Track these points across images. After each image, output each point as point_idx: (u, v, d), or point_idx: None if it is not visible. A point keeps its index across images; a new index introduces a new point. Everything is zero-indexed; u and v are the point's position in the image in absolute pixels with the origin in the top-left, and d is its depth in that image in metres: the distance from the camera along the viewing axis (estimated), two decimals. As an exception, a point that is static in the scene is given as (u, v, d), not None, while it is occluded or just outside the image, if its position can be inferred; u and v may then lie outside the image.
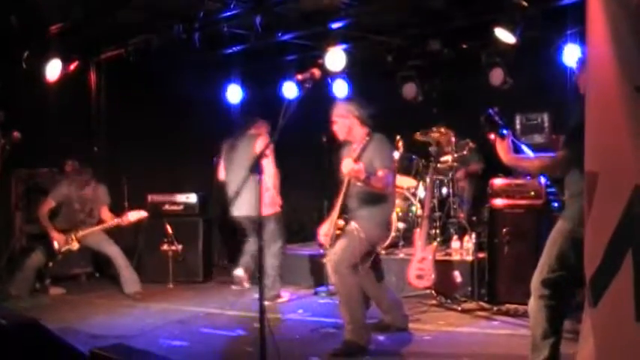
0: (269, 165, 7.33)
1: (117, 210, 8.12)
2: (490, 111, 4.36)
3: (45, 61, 8.41)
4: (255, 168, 4.23)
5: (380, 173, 5.30)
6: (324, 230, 5.66)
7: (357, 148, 5.51)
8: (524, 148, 4.65)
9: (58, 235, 7.81)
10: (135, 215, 7.86)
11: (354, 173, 5.18)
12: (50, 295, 8.01)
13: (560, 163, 4.10)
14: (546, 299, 4.07)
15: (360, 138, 5.55)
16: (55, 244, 7.78)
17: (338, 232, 5.48)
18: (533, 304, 4.15)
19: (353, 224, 5.42)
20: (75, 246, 7.86)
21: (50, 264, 7.86)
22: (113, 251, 7.91)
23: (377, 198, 5.44)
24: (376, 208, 5.47)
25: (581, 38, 7.20)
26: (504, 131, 4.31)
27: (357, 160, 5.34)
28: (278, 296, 7.56)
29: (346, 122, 5.58)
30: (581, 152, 3.76)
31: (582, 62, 4.12)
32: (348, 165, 5.22)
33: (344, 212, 5.52)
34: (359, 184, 5.34)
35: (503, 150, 4.32)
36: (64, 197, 7.99)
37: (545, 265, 4.10)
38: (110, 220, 7.91)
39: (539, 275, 4.12)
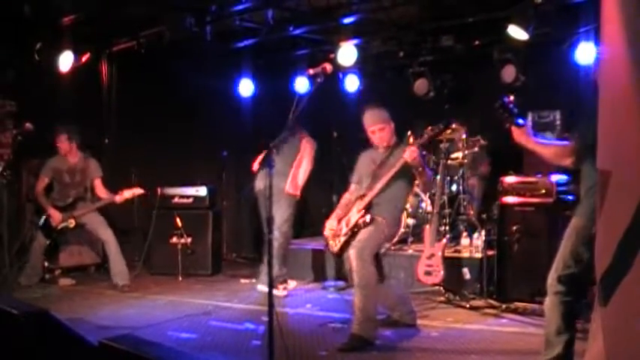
0: (307, 164, 7.59)
1: (126, 204, 8.16)
2: (505, 99, 4.35)
3: (57, 52, 8.44)
4: (268, 162, 4.25)
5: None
6: (332, 224, 5.72)
7: (420, 142, 5.67)
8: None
9: (55, 211, 7.88)
10: (129, 192, 7.90)
11: (415, 154, 5.33)
12: (60, 286, 8.06)
13: (569, 152, 4.12)
14: (562, 295, 4.07)
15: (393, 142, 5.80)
16: (52, 221, 7.86)
17: (355, 229, 5.61)
18: (549, 301, 4.15)
19: (378, 216, 5.56)
20: (72, 223, 7.91)
21: (48, 242, 7.91)
22: (108, 237, 7.92)
23: (398, 197, 5.68)
24: (397, 208, 5.72)
25: (595, 36, 7.18)
26: (520, 120, 4.30)
27: (381, 165, 5.59)
28: (285, 281, 7.60)
29: (392, 126, 5.82)
30: (590, 145, 3.78)
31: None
32: (412, 151, 5.36)
33: (368, 208, 5.63)
34: (390, 187, 5.56)
35: (521, 136, 4.31)
36: (54, 171, 8.05)
37: (560, 262, 4.11)
38: (105, 195, 7.97)
39: (554, 272, 4.13)
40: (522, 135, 4.31)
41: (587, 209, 4.00)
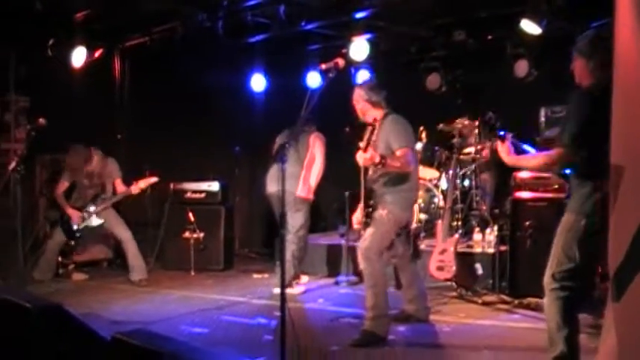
0: (319, 163, 7.51)
1: (139, 198, 8.19)
2: (486, 115, 4.43)
3: (70, 48, 8.47)
4: (280, 157, 4.25)
5: (398, 153, 5.38)
6: (358, 217, 5.72)
7: (369, 133, 5.57)
8: (527, 147, 4.66)
9: (73, 211, 7.95)
10: (143, 183, 7.94)
11: (368, 162, 5.26)
12: (73, 281, 8.12)
13: (555, 160, 4.10)
14: (558, 292, 4.07)
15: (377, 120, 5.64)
16: (72, 221, 7.92)
17: (367, 220, 5.55)
18: (546, 299, 4.17)
19: (381, 210, 5.48)
20: (93, 221, 7.97)
21: (72, 242, 7.97)
22: (126, 237, 7.99)
23: (400, 180, 5.50)
24: (401, 191, 5.54)
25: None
26: (501, 133, 4.34)
27: (365, 149, 5.37)
28: (289, 284, 7.59)
29: (359, 106, 5.72)
30: (575, 146, 3.77)
31: (578, 50, 4.14)
32: (360, 157, 5.31)
33: (369, 199, 5.56)
34: (379, 169, 5.40)
35: (503, 152, 4.36)
36: (73, 175, 8.11)
37: (554, 259, 4.11)
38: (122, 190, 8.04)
39: (549, 269, 4.13)
40: (503, 151, 4.34)
41: (575, 204, 4.02)
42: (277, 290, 7.14)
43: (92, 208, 7.98)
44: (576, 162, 4.02)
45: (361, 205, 5.66)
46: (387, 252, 5.63)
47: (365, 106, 5.67)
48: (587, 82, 4.07)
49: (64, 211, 7.97)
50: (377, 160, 5.17)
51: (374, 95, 5.66)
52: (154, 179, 8.04)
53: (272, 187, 7.48)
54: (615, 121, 2.93)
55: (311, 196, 7.54)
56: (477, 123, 8.19)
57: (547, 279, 4.14)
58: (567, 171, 4.23)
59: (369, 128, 5.67)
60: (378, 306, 5.34)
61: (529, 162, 4.43)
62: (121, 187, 8.09)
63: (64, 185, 8.09)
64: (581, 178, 4.04)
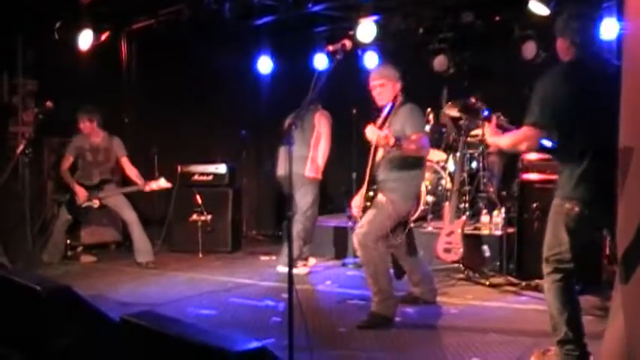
0: (325, 141, 7.53)
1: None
2: (469, 101, 4.41)
3: (77, 31, 8.46)
4: (287, 139, 4.24)
5: (413, 137, 5.26)
6: (357, 202, 5.68)
7: (384, 113, 5.47)
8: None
9: (80, 189, 7.97)
10: (156, 185, 7.94)
11: (382, 140, 5.12)
12: (81, 263, 8.15)
13: (520, 139, 4.06)
14: (552, 275, 4.07)
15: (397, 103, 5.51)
16: (77, 199, 7.95)
17: (367, 204, 5.48)
18: (545, 283, 4.17)
19: (381, 196, 5.40)
20: (96, 204, 8.02)
21: (71, 217, 8.01)
22: (132, 218, 8.01)
23: (406, 168, 5.41)
24: (405, 180, 5.44)
25: (618, 11, 7.08)
26: (485, 113, 4.31)
27: (381, 127, 5.29)
28: (306, 259, 7.68)
29: (388, 85, 5.49)
30: (539, 125, 3.82)
31: (556, 29, 4.13)
32: (372, 132, 5.17)
33: (372, 183, 5.50)
34: (388, 153, 5.32)
35: (488, 132, 4.32)
36: (77, 150, 8.11)
37: (545, 244, 4.10)
38: (134, 175, 8.04)
39: (543, 254, 4.12)
40: (489, 132, 4.30)
41: (558, 188, 4.02)
42: (281, 268, 7.20)
43: (100, 194, 8.00)
44: (552, 141, 4.01)
45: (362, 191, 5.61)
46: (383, 241, 5.45)
47: (395, 87, 5.49)
48: (566, 59, 4.09)
49: (71, 188, 7.99)
50: (392, 141, 5.05)
51: (400, 77, 5.58)
52: (168, 185, 8.06)
53: (281, 169, 7.54)
54: (625, 101, 2.91)
55: (319, 176, 7.57)
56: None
57: (543, 264, 4.15)
58: (548, 145, 4.17)
59: (383, 109, 5.59)
60: (382, 290, 5.34)
61: (502, 141, 4.29)
62: (129, 167, 8.10)
63: (68, 160, 8.09)
64: (560, 160, 4.05)
